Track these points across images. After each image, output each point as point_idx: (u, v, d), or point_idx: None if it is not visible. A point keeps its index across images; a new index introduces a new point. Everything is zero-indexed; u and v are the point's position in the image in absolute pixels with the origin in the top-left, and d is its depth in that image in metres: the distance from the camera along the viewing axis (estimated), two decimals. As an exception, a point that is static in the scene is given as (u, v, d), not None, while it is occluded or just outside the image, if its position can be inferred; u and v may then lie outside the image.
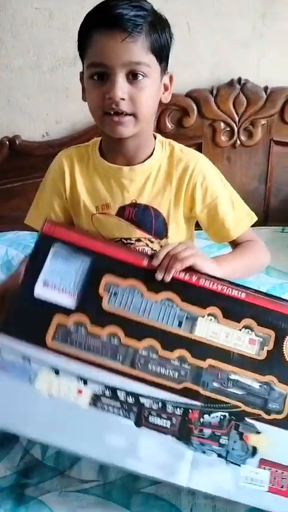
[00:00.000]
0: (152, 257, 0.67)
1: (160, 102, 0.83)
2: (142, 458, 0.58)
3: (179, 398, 0.60)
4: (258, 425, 0.60)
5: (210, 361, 0.62)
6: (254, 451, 0.59)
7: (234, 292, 0.64)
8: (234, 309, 0.63)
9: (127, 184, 0.86)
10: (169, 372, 0.61)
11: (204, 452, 0.59)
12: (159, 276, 0.65)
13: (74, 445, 0.60)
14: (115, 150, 0.85)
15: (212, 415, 0.60)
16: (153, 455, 0.58)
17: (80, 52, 0.79)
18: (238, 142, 1.42)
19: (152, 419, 0.59)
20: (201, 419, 0.60)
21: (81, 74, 0.81)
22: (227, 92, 1.37)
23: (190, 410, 0.59)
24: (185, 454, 0.59)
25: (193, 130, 1.41)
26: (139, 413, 0.60)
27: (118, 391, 0.60)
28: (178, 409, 0.60)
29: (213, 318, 0.63)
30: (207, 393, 0.60)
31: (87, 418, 0.59)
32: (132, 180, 0.86)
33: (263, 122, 1.40)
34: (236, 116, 1.39)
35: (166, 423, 0.59)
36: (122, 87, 0.73)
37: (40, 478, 0.75)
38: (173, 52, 0.80)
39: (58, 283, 0.64)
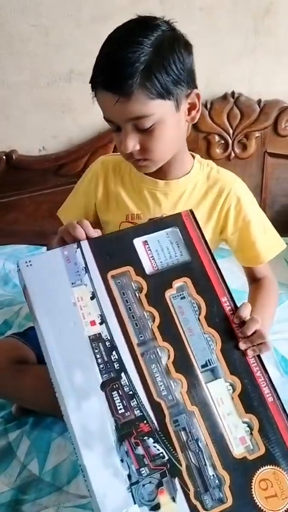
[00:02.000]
0: (234, 304, 0.64)
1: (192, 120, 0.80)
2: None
3: (148, 406, 0.57)
4: (180, 496, 0.54)
5: (196, 410, 0.58)
6: (156, 507, 0.53)
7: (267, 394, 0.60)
8: (252, 401, 0.60)
9: (161, 198, 0.86)
10: (161, 384, 0.59)
11: (122, 461, 0.54)
12: (243, 347, 0.61)
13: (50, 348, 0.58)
14: None
15: (157, 445, 0.55)
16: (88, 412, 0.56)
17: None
18: (232, 154, 1.43)
19: (115, 394, 0.57)
20: (145, 437, 0.56)
21: None
22: (220, 106, 1.39)
23: (145, 421, 0.56)
24: (111, 440, 0.55)
25: (188, 143, 1.40)
26: (112, 380, 0.58)
27: (114, 352, 0.59)
28: (139, 411, 0.57)
29: (231, 390, 0.60)
30: (171, 428, 0.56)
31: (77, 344, 0.59)
32: (166, 194, 0.86)
33: (257, 134, 1.42)
34: (230, 128, 1.41)
35: (121, 407, 0.56)
36: (131, 139, 0.73)
37: (37, 494, 0.74)
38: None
39: (154, 250, 0.66)
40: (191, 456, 0.56)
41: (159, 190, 0.86)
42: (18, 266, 0.62)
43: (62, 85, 1.42)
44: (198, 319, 0.63)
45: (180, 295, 0.64)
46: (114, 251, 0.64)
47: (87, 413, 0.56)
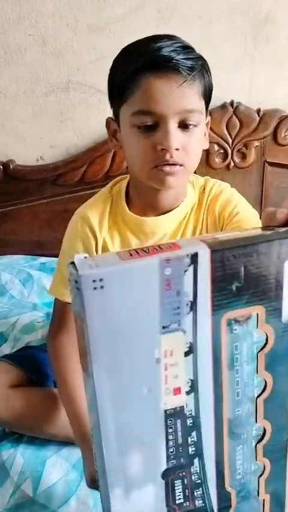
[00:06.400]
0: None
1: None
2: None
3: (214, 497, 0.45)
4: None
5: (267, 498, 0.48)
6: None
7: None
8: None
9: (161, 234, 0.78)
10: (239, 468, 0.45)
11: None
12: None
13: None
14: (150, 200, 0.77)
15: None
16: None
17: (118, 96, 0.70)
18: (232, 164, 1.42)
19: (178, 483, 0.43)
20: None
21: (110, 119, 0.76)
22: (219, 115, 1.38)
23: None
24: None
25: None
26: (180, 467, 0.43)
27: (194, 432, 0.41)
28: (201, 501, 0.45)
29: None
30: None
31: (145, 419, 0.40)
32: (166, 228, 0.78)
33: (256, 143, 1.40)
34: (229, 138, 1.40)
35: (180, 497, 0.44)
36: (176, 136, 0.67)
37: (31, 517, 0.72)
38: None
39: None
40: None
41: (159, 227, 0.77)
42: (76, 281, 0.34)
43: (60, 94, 1.41)
44: None
45: None
46: (246, 276, 0.38)
47: (136, 504, 0.42)
